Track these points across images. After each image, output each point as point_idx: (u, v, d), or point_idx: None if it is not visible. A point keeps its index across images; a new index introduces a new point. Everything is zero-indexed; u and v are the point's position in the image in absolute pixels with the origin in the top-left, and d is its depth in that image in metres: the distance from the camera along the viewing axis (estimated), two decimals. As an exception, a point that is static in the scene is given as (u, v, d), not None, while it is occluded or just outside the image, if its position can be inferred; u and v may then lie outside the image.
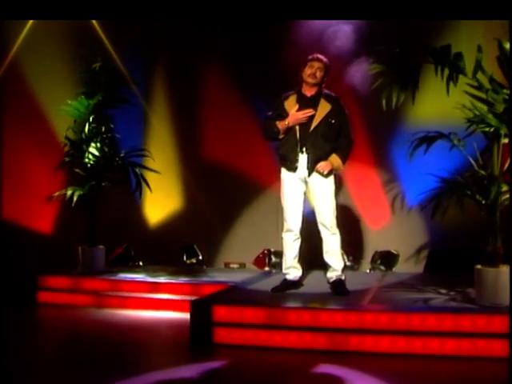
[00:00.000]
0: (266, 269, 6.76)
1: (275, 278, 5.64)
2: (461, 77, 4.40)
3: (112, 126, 5.86)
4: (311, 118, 4.69)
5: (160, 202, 7.32)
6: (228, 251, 7.13)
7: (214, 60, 7.02)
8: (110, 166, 5.84)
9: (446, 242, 6.43)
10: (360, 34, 6.45)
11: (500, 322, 3.83)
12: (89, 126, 5.72)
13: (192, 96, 7.15)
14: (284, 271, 4.93)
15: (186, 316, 5.12)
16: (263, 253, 7.01)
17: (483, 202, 4.17)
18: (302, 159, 4.73)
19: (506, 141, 4.17)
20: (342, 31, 6.62)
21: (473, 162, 4.31)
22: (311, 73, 4.74)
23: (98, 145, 5.68)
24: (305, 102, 4.75)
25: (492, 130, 4.15)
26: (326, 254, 4.81)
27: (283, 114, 4.77)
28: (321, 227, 4.81)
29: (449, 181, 4.42)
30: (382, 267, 6.37)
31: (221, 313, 4.34)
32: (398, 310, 4.10)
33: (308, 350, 4.15)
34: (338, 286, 4.73)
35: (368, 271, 6.43)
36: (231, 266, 7.05)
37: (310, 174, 4.73)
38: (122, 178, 6.00)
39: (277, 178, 6.98)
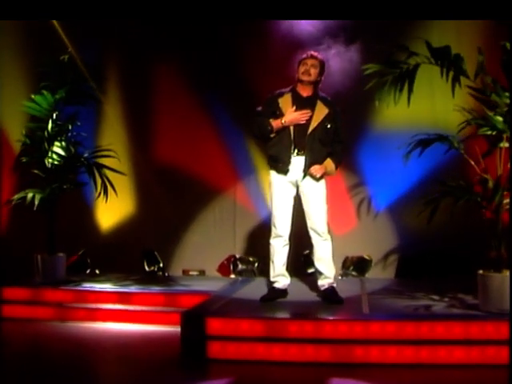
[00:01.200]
0: (232, 276, 6.49)
1: (255, 286, 5.43)
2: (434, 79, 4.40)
3: (79, 123, 5.40)
4: (308, 120, 4.48)
5: (113, 206, 6.90)
6: (183, 258, 6.82)
7: (169, 61, 6.73)
8: (74, 167, 5.37)
9: (414, 247, 6.40)
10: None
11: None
12: (52, 123, 5.23)
13: (146, 98, 6.83)
14: (272, 279, 4.68)
15: (163, 329, 4.86)
16: (228, 259, 6.74)
17: (486, 206, 4.09)
18: (295, 162, 4.51)
19: (506, 145, 4.12)
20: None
21: (475, 165, 4.22)
22: (305, 70, 4.54)
23: (64, 144, 5.21)
24: (301, 102, 4.54)
25: (495, 133, 4.08)
26: (317, 261, 4.59)
27: (277, 112, 4.53)
28: (312, 233, 4.60)
29: (451, 185, 4.29)
30: (355, 273, 6.25)
31: (214, 325, 4.03)
32: (406, 318, 3.94)
33: (310, 364, 3.91)
34: (331, 294, 4.53)
35: (340, 277, 6.28)
36: (190, 273, 6.74)
37: (303, 178, 4.52)
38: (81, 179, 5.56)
39: (233, 182, 6.95)
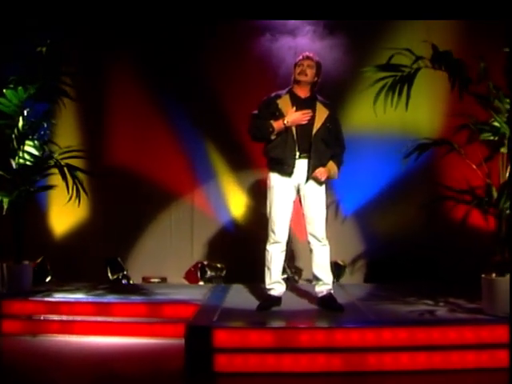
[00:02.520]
0: (201, 283, 6.27)
1: (238, 294, 5.26)
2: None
3: (54, 121, 5.00)
4: (310, 121, 4.37)
5: (66, 211, 6.50)
6: (138, 264, 6.53)
7: (126, 63, 6.46)
8: (44, 169, 4.97)
9: (382, 252, 6.44)
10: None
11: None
12: (23, 120, 4.80)
13: (102, 100, 6.52)
14: (268, 286, 4.51)
15: (147, 341, 4.60)
16: (195, 266, 6.51)
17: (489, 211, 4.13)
18: (299, 164, 4.38)
19: (504, 150, 4.18)
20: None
21: (478, 170, 4.24)
22: (301, 70, 4.45)
23: (36, 142, 4.79)
24: (300, 103, 4.42)
25: (497, 138, 4.13)
26: (315, 266, 4.48)
27: (276, 113, 4.40)
28: (311, 238, 4.48)
29: (457, 190, 4.30)
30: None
31: (222, 337, 3.82)
32: (417, 324, 3.90)
33: (322, 374, 3.80)
34: (330, 301, 4.42)
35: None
36: (151, 280, 6.46)
37: (307, 181, 4.39)
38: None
39: (191, 186, 6.74)
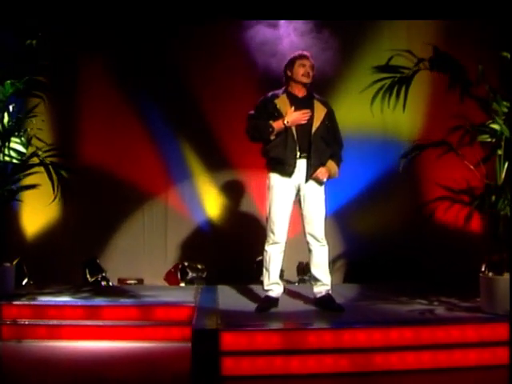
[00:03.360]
0: (182, 285, 6.17)
1: (229, 295, 5.19)
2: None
3: (43, 119, 4.80)
4: (309, 120, 4.34)
5: (38, 211, 6.32)
6: (112, 265, 6.39)
7: (99, 61, 6.34)
8: (29, 167, 4.76)
9: (362, 252, 6.50)
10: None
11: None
12: (8, 116, 4.57)
13: (75, 98, 6.39)
14: (266, 288, 4.47)
15: (141, 345, 4.52)
16: (175, 267, 6.41)
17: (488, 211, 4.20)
18: (299, 164, 4.35)
19: (501, 152, 4.26)
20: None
21: (475, 171, 4.31)
22: (305, 72, 4.41)
23: (23, 139, 4.58)
24: (298, 103, 4.39)
25: (494, 140, 4.22)
26: (314, 267, 4.46)
27: (275, 114, 4.35)
28: (310, 238, 4.46)
29: (457, 191, 4.35)
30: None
31: (228, 340, 3.76)
32: (422, 323, 3.94)
33: (329, 375, 3.78)
34: (329, 301, 4.41)
35: (296, 284, 6.18)
36: (128, 282, 6.32)
37: (307, 181, 4.36)
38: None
39: (165, 186, 6.64)
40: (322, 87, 6.33)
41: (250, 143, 6.35)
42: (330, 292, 4.48)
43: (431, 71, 4.41)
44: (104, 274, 6.12)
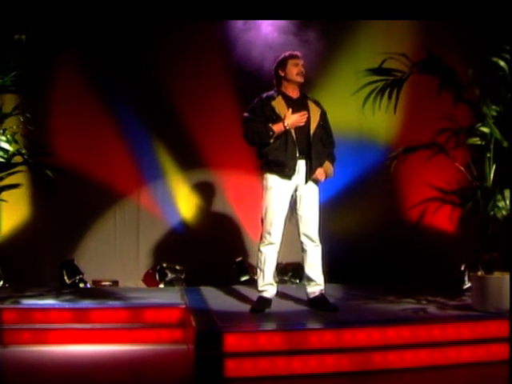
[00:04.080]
0: (161, 286, 6.09)
1: (216, 296, 5.16)
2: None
3: (28, 115, 4.62)
4: (307, 121, 4.36)
5: (6, 212, 6.12)
6: (82, 267, 6.25)
7: (71, 59, 6.18)
8: (13, 166, 4.60)
9: (339, 252, 6.55)
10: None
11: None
12: (-4, 113, 4.40)
13: (46, 97, 6.17)
14: (261, 288, 4.46)
15: (132, 348, 4.44)
16: (153, 268, 6.32)
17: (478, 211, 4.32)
18: (298, 166, 4.37)
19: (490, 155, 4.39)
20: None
21: (466, 172, 4.42)
22: (299, 71, 4.43)
23: (9, 137, 4.41)
24: (294, 104, 4.40)
25: (484, 142, 4.34)
26: (308, 267, 4.48)
27: (274, 117, 4.34)
28: (304, 239, 4.48)
29: (448, 192, 4.45)
30: (294, 280, 6.20)
31: (231, 341, 3.73)
32: (419, 322, 4.01)
33: (331, 374, 3.80)
34: (323, 301, 4.44)
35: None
36: (102, 284, 6.20)
37: (306, 182, 4.39)
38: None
39: (137, 185, 6.55)
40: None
41: (224, 142, 6.45)
42: (323, 292, 4.51)
43: (421, 75, 4.50)
44: (81, 276, 5.97)
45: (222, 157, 6.46)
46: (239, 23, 6.29)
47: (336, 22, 6.34)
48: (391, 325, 3.96)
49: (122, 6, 5.65)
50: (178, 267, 6.29)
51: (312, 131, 4.37)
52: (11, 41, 4.33)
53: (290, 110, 4.33)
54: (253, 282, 6.09)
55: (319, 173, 4.42)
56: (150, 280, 6.28)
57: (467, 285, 5.42)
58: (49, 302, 4.77)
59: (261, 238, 4.47)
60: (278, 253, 4.50)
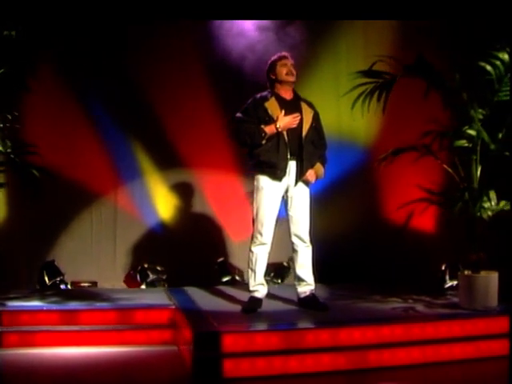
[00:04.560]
0: (143, 287, 6.03)
1: (205, 297, 5.14)
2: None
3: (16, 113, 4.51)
4: (299, 123, 4.39)
5: None
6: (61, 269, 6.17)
7: (46, 59, 5.94)
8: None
9: (317, 253, 6.61)
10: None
11: (498, 323, 4.14)
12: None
13: (22, 96, 5.91)
14: (252, 288, 4.47)
15: (121, 349, 4.39)
16: (134, 269, 6.24)
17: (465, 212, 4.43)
18: (289, 167, 4.40)
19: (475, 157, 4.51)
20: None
21: (455, 175, 4.52)
22: (288, 71, 4.47)
23: (-1, 135, 4.30)
24: (287, 106, 4.43)
25: (471, 145, 4.44)
26: (299, 267, 4.51)
27: (266, 118, 4.36)
28: (295, 239, 4.51)
29: (438, 194, 4.55)
30: (276, 280, 6.22)
31: (229, 342, 3.73)
32: (412, 320, 4.09)
33: (327, 373, 3.84)
34: (313, 301, 4.48)
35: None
36: (81, 285, 6.11)
37: (296, 183, 4.41)
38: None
39: (114, 185, 6.48)
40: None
41: (203, 142, 6.43)
42: (314, 292, 4.55)
43: (409, 77, 4.58)
44: (62, 277, 5.87)
45: (200, 157, 6.41)
46: (217, 23, 6.27)
47: (317, 22, 6.34)
48: (385, 323, 4.03)
49: (97, 5, 5.57)
50: (159, 268, 6.23)
51: (304, 133, 4.41)
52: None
53: (283, 112, 4.36)
54: (235, 283, 6.13)
55: (309, 174, 4.46)
56: (130, 281, 6.22)
57: (448, 284, 5.54)
58: (34, 303, 4.67)
59: (252, 239, 4.49)
60: (269, 253, 4.52)
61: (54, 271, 5.86)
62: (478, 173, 4.47)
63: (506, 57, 4.35)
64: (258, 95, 4.52)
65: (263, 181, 4.41)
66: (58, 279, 5.84)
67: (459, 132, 4.45)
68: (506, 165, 4.36)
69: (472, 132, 4.42)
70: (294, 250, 4.53)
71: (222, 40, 6.33)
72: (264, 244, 4.43)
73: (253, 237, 4.48)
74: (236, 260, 6.39)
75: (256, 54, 6.44)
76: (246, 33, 6.44)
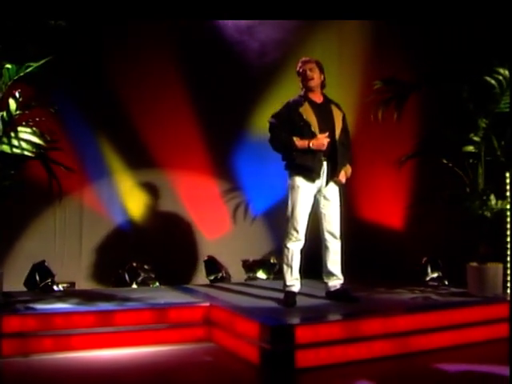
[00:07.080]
0: (134, 286, 5.95)
1: (223, 294, 5.24)
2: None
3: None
4: (331, 125, 4.65)
5: None
6: (18, 269, 5.89)
7: (17, 56, 5.71)
8: (24, 160, 4.25)
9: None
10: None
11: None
12: (16, 102, 4.00)
13: None
14: (289, 283, 4.66)
15: (162, 349, 4.42)
16: (123, 269, 6.12)
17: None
18: (323, 168, 4.66)
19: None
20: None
21: (464, 176, 5.01)
22: (305, 76, 4.68)
23: (35, 129, 4.05)
24: (319, 109, 4.67)
25: (477, 150, 4.98)
26: (330, 263, 4.76)
27: (301, 123, 4.59)
28: (328, 236, 4.76)
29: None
30: (262, 276, 6.38)
31: (301, 334, 3.93)
32: (440, 308, 4.56)
33: (378, 359, 4.13)
34: (346, 293, 4.76)
35: (245, 280, 6.35)
36: (60, 286, 5.92)
37: (327, 183, 4.68)
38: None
39: (78, 184, 6.33)
40: (252, 88, 6.55)
41: (174, 142, 6.44)
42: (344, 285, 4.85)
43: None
44: (53, 278, 5.62)
45: (174, 157, 6.43)
46: (194, 23, 6.32)
47: (292, 22, 6.53)
48: (420, 311, 4.47)
49: (72, 5, 5.41)
50: (146, 266, 6.17)
51: (337, 137, 4.66)
52: (45, 27, 4.01)
53: (326, 134, 4.57)
54: (223, 280, 6.23)
55: (342, 175, 4.74)
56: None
57: (430, 276, 6.05)
58: (69, 305, 4.52)
59: (287, 236, 4.68)
60: (302, 250, 4.73)
61: (45, 272, 5.61)
62: (482, 175, 5.02)
63: (506, 72, 4.92)
64: (292, 100, 4.72)
65: (299, 182, 4.63)
66: (50, 280, 5.60)
67: (467, 139, 4.97)
68: (505, 169, 4.98)
69: (477, 139, 4.96)
70: (326, 247, 4.77)
71: (198, 40, 6.39)
72: (299, 240, 4.64)
73: (287, 234, 4.66)
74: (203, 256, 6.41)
75: (233, 54, 6.60)
76: (222, 33, 6.53)
